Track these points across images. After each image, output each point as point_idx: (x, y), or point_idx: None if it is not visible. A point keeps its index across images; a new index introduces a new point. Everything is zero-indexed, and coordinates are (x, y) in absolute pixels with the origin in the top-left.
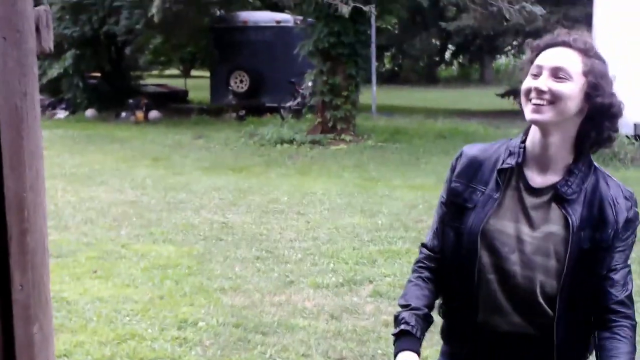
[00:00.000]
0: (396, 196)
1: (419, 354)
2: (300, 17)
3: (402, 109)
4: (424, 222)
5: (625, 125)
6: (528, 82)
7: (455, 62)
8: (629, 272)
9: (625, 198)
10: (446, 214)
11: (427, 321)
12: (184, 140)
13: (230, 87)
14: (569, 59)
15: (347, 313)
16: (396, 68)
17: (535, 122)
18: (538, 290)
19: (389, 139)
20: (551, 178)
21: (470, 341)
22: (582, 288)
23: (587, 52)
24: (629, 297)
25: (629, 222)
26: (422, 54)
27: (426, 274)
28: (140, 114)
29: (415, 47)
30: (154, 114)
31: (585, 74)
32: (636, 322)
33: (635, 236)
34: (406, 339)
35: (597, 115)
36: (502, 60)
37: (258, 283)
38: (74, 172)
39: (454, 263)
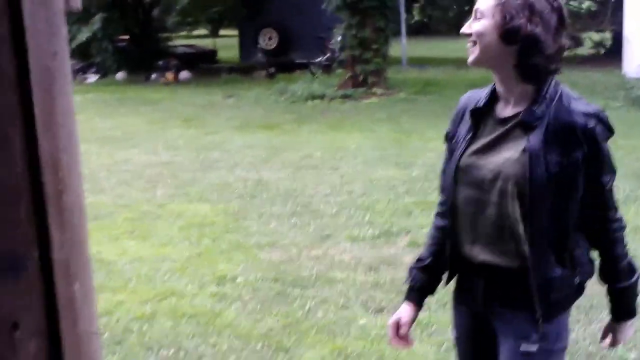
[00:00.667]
0: (430, 148)
1: (417, 304)
2: None
3: (433, 61)
4: None
5: None
6: None
7: None
8: (607, 186)
9: (589, 118)
10: (446, 155)
11: (431, 269)
12: (214, 99)
13: (259, 45)
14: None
15: (385, 264)
16: (425, 19)
17: (470, 64)
18: (502, 217)
19: (420, 91)
20: (517, 108)
21: (458, 273)
22: (551, 212)
23: None
24: (614, 208)
25: (596, 141)
26: (452, 3)
27: (437, 221)
28: (170, 75)
29: None
30: (184, 74)
31: (498, 6)
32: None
33: (606, 152)
34: (407, 292)
35: (521, 44)
36: None
37: (294, 238)
38: (107, 135)
39: (446, 200)
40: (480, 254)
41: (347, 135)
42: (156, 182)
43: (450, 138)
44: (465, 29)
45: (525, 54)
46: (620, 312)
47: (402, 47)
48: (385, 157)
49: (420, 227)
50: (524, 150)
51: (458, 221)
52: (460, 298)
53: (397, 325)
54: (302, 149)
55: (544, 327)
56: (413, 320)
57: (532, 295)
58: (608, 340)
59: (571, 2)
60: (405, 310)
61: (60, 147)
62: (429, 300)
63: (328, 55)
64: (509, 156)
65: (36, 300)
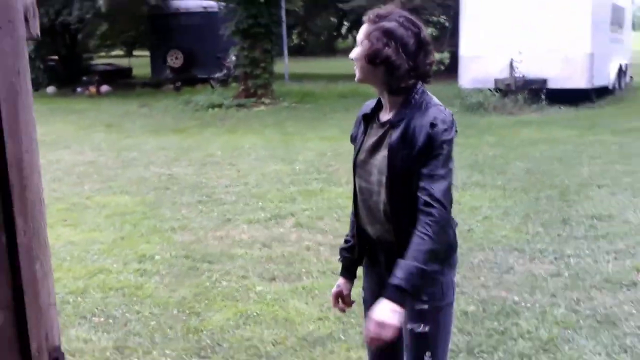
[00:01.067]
0: (309, 147)
1: (346, 277)
2: (224, 3)
3: (309, 76)
4: (332, 166)
5: (486, 81)
6: None
7: (350, 35)
8: (434, 182)
9: (432, 119)
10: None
11: (353, 248)
12: (131, 109)
13: (167, 64)
14: (361, 30)
15: (276, 242)
16: (302, 42)
17: (356, 81)
18: (381, 203)
19: (300, 100)
20: (391, 114)
21: (363, 248)
22: (404, 195)
23: (373, 21)
24: (434, 199)
25: (434, 139)
26: (323, 30)
27: (353, 207)
28: (93, 89)
29: (317, 25)
30: (104, 88)
31: (366, 37)
32: (440, 219)
33: (445, 152)
34: (342, 270)
35: (381, 65)
36: None
37: (201, 222)
38: (41, 139)
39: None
40: (374, 231)
41: (242, 137)
42: (84, 178)
43: (353, 139)
44: (351, 55)
45: (388, 73)
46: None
47: (284, 65)
48: (274, 154)
49: (303, 210)
50: (387, 148)
51: (358, 206)
52: (369, 266)
53: (337, 296)
54: (206, 149)
55: (430, 288)
56: (349, 290)
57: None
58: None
59: None
60: (343, 284)
61: (24, 150)
62: (312, 269)
63: (225, 71)
64: (384, 154)
65: (4, 278)
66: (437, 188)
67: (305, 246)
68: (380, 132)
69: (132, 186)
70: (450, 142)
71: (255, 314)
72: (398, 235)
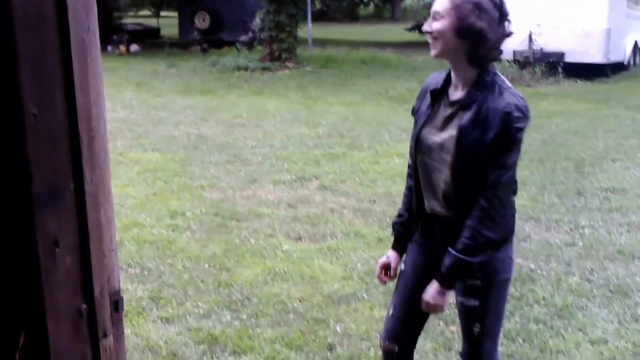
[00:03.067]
0: (332, 111)
1: (398, 251)
2: None
3: (332, 42)
4: (354, 131)
5: (505, 52)
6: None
7: (371, 2)
8: (505, 170)
9: (508, 107)
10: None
11: (408, 222)
12: (159, 69)
13: (194, 25)
14: (441, 2)
15: (301, 202)
16: (325, 8)
17: (433, 56)
18: (442, 181)
19: (323, 65)
20: (463, 92)
21: (418, 222)
22: (470, 178)
23: None
24: (502, 187)
25: (510, 128)
26: None
27: (408, 181)
28: (123, 48)
29: None
30: (134, 47)
31: (453, 8)
32: (504, 208)
33: (518, 140)
34: (393, 242)
35: (471, 39)
36: (408, 1)
37: (229, 181)
38: None
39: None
40: (432, 206)
41: (266, 100)
42: (116, 134)
43: (415, 111)
44: (426, 28)
45: (476, 46)
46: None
47: (308, 29)
48: (298, 118)
49: (327, 173)
50: (458, 127)
51: (418, 180)
52: (420, 239)
53: (385, 267)
54: (232, 110)
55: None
56: (397, 264)
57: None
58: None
59: None
60: (392, 256)
61: (92, 102)
62: (336, 231)
63: (250, 34)
64: (452, 134)
65: (72, 224)
66: (506, 177)
67: (329, 208)
68: (449, 110)
69: (162, 144)
70: (523, 130)
71: (282, 271)
72: (457, 214)
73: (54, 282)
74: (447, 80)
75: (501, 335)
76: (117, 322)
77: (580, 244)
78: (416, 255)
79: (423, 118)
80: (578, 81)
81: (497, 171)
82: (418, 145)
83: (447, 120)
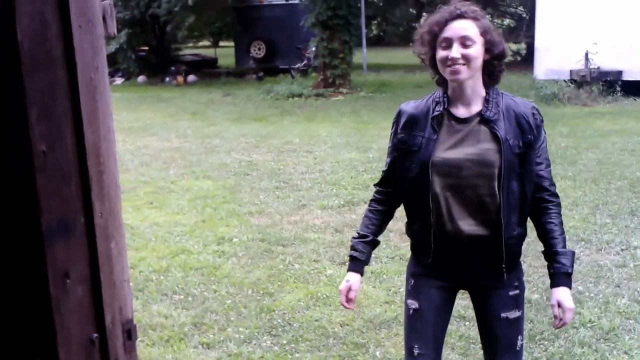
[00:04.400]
0: (383, 135)
1: (361, 273)
2: None
3: (387, 66)
4: None
5: (561, 72)
6: (443, 53)
7: None
8: (549, 166)
9: (532, 109)
10: (397, 159)
11: (373, 244)
12: (215, 97)
13: (250, 54)
14: (469, 28)
15: (348, 227)
16: (381, 33)
17: (457, 81)
18: (485, 194)
19: (377, 90)
20: (474, 109)
21: (433, 249)
22: (516, 185)
23: (477, 17)
24: (555, 188)
25: (539, 126)
26: (402, 20)
27: (376, 206)
28: (180, 78)
29: (396, 16)
30: (191, 77)
31: (483, 34)
32: (559, 202)
33: (544, 136)
34: (353, 263)
35: (494, 59)
36: None
37: (278, 207)
38: (131, 126)
39: (411, 192)
40: (464, 227)
41: (319, 126)
42: (170, 163)
43: (404, 141)
44: (456, 55)
45: (497, 65)
46: (560, 277)
47: (363, 55)
48: (349, 142)
49: None
50: (496, 140)
51: (437, 207)
52: (433, 273)
53: (348, 290)
54: (284, 136)
55: (515, 274)
56: (359, 287)
57: (501, 251)
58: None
59: (496, 20)
60: (353, 278)
61: (101, 138)
62: (381, 255)
63: (305, 62)
64: (483, 147)
65: (82, 255)
66: (551, 175)
67: None
68: (466, 127)
69: (214, 171)
70: None
71: (325, 296)
72: (505, 224)
73: (65, 311)
74: (444, 103)
75: (544, 358)
76: (130, 350)
77: (632, 265)
78: (430, 290)
79: (432, 145)
80: (637, 99)
81: (546, 171)
82: (434, 170)
83: (466, 137)
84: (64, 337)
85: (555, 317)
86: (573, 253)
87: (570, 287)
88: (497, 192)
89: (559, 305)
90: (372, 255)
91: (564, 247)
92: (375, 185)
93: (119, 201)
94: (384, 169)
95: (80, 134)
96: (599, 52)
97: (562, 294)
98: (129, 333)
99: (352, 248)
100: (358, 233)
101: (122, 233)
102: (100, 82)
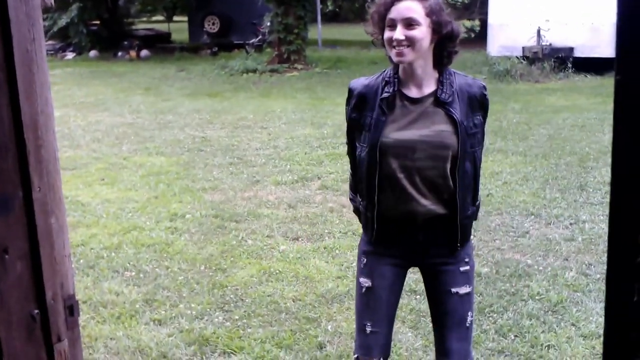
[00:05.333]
0: (338, 111)
1: None
2: None
3: (343, 42)
4: None
5: (514, 49)
6: (388, 34)
7: None
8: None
9: (481, 88)
10: (353, 137)
11: None
12: (169, 73)
13: (204, 29)
14: (414, 8)
15: (301, 203)
16: (337, 9)
17: (402, 63)
18: (438, 175)
19: (332, 66)
20: (426, 90)
21: (377, 229)
22: (469, 165)
23: None
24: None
25: (487, 106)
26: None
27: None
28: (133, 53)
29: None
30: (144, 52)
31: (428, 14)
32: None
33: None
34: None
35: (444, 41)
36: None
37: (231, 183)
38: (83, 101)
39: (360, 172)
40: (417, 208)
41: (273, 102)
42: (122, 139)
43: (356, 121)
44: (399, 36)
45: (447, 44)
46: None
47: (318, 31)
48: (303, 118)
49: (329, 173)
50: (452, 122)
51: (389, 188)
52: (385, 252)
53: None
54: (239, 112)
55: (465, 250)
56: None
57: (456, 230)
58: None
59: None
60: None
61: (39, 111)
62: (334, 230)
63: (259, 37)
64: (438, 129)
65: (21, 231)
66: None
67: (329, 208)
68: (418, 108)
69: (167, 147)
70: None
71: (277, 271)
72: (461, 204)
73: (4, 288)
74: (394, 83)
75: (493, 330)
76: (73, 326)
77: (580, 238)
78: (382, 268)
79: (382, 126)
80: (588, 76)
81: (481, 146)
82: (386, 151)
83: (419, 118)
84: (4, 314)
85: None
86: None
87: None
88: (449, 173)
89: None
90: (327, 231)
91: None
92: (350, 172)
93: (59, 175)
94: (347, 149)
95: (16, 107)
96: (551, 29)
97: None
98: (71, 309)
99: (355, 209)
100: (353, 193)
101: (63, 208)
102: (37, 54)
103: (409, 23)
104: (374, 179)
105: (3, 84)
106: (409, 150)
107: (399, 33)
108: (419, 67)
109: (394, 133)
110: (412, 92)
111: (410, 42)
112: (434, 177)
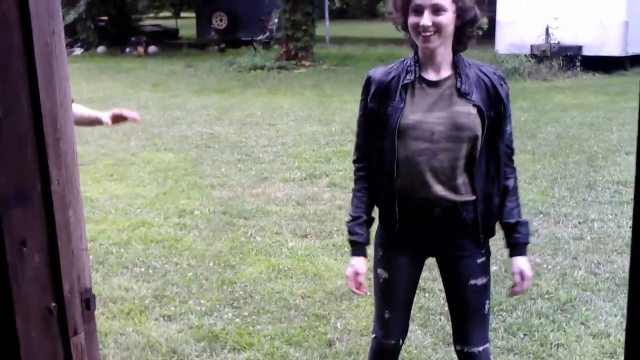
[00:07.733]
0: (346, 108)
1: (365, 255)
2: None
3: (350, 39)
4: None
5: (522, 47)
6: (414, 19)
7: None
8: (511, 131)
9: (499, 79)
10: (368, 129)
11: (368, 223)
12: (176, 69)
13: (212, 25)
14: None
15: (310, 200)
16: (345, 6)
17: (428, 49)
18: (458, 157)
19: (339, 63)
20: (444, 73)
21: (399, 219)
22: (489, 151)
23: None
24: (513, 155)
25: (508, 94)
26: None
27: (361, 184)
28: (141, 49)
29: None
30: (152, 48)
31: (455, 1)
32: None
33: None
34: (354, 247)
35: (465, 26)
36: None
37: (240, 180)
38: (90, 96)
39: (378, 162)
40: (438, 193)
41: (281, 98)
42: (130, 135)
43: (375, 110)
44: (427, 23)
45: (466, 29)
46: (520, 247)
47: (325, 28)
48: (311, 115)
49: (337, 170)
50: (473, 106)
51: (407, 173)
52: (402, 242)
53: (355, 275)
54: (247, 109)
55: (485, 246)
56: (365, 270)
57: (477, 222)
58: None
59: None
60: (357, 262)
61: (58, 104)
62: (342, 227)
63: (267, 34)
64: (457, 110)
65: (39, 223)
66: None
67: (337, 205)
68: (437, 91)
69: (175, 144)
70: None
71: (286, 268)
72: (480, 191)
73: (22, 280)
74: (405, 69)
75: (502, 329)
76: (89, 320)
77: (588, 237)
78: (399, 259)
79: (399, 112)
80: (596, 74)
81: (510, 139)
82: (404, 136)
83: (438, 100)
84: (21, 307)
85: (516, 284)
86: (529, 223)
87: (526, 255)
88: (470, 156)
89: (520, 274)
90: (335, 229)
91: (521, 215)
92: (354, 162)
93: (77, 169)
94: (357, 142)
95: (36, 99)
96: (560, 27)
97: (522, 262)
98: (88, 302)
99: (349, 232)
100: (351, 216)
101: (80, 201)
102: (57, 47)
103: (437, 9)
104: (392, 167)
105: (23, 76)
106: (428, 132)
107: (427, 19)
108: (440, 53)
109: (413, 115)
110: (430, 76)
111: (437, 29)
112: (453, 160)
